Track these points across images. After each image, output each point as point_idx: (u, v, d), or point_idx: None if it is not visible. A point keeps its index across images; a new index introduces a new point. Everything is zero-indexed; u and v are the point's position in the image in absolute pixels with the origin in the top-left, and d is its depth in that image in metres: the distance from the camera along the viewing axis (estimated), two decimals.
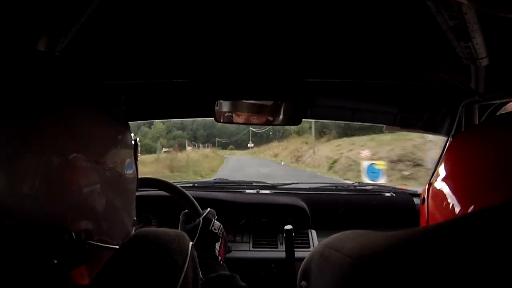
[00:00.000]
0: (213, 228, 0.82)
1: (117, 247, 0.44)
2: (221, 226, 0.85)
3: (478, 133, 0.42)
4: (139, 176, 0.54)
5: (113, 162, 0.44)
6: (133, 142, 0.50)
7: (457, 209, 0.37)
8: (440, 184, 0.42)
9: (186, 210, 0.89)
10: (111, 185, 0.43)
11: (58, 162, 0.37)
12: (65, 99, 0.41)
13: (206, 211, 0.85)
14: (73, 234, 0.38)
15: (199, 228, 0.80)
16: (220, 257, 0.80)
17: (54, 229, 0.37)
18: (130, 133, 0.50)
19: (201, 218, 0.83)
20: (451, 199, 0.38)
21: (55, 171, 0.37)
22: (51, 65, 0.45)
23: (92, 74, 0.84)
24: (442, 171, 0.42)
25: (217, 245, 0.81)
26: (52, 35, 0.55)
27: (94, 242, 0.40)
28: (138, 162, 0.51)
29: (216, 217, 0.86)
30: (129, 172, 0.48)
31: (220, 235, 0.83)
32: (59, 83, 0.42)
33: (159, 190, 0.95)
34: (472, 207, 0.35)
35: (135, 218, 0.51)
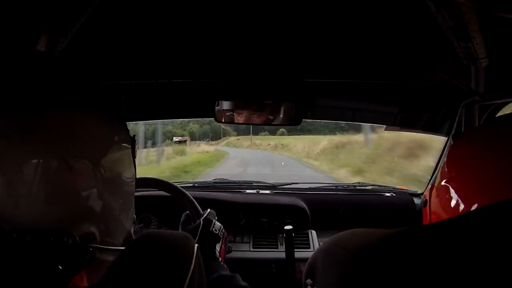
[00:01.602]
0: (213, 229, 0.82)
1: (119, 248, 0.44)
2: (222, 227, 0.85)
3: (483, 134, 0.42)
4: (138, 177, 0.54)
5: (111, 163, 0.44)
6: (130, 140, 0.50)
7: (461, 208, 0.37)
8: (443, 186, 0.42)
9: (187, 211, 0.89)
10: (109, 186, 0.43)
11: (56, 165, 0.37)
12: (63, 101, 0.41)
13: (207, 212, 0.85)
14: (77, 238, 0.38)
15: (200, 229, 0.80)
16: (220, 258, 0.80)
17: (57, 234, 0.37)
18: (128, 133, 0.50)
19: (201, 219, 0.82)
20: (455, 199, 0.39)
21: (53, 174, 0.37)
22: (49, 66, 0.45)
23: (92, 74, 0.84)
24: (445, 172, 0.42)
25: (218, 246, 0.81)
26: (52, 35, 0.55)
27: (97, 245, 0.40)
28: (136, 160, 0.51)
29: (216, 218, 0.86)
30: (127, 172, 0.47)
31: (221, 236, 0.83)
32: (57, 84, 0.42)
33: (159, 190, 0.94)
34: (476, 205, 0.36)
35: (134, 216, 0.51)
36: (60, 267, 0.36)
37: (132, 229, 0.50)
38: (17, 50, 0.50)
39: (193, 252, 0.41)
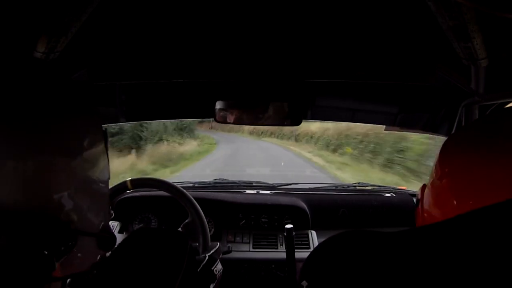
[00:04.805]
0: (214, 269, 0.82)
1: (100, 234, 0.45)
2: (222, 269, 0.85)
3: (475, 130, 0.42)
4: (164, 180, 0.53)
5: (84, 160, 0.44)
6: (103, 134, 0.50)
7: (454, 205, 0.37)
8: (436, 183, 0.41)
9: (195, 244, 0.88)
10: (82, 180, 0.43)
11: (32, 160, 0.38)
12: (41, 102, 0.42)
13: (215, 248, 0.85)
14: (59, 219, 0.38)
15: (202, 264, 0.80)
16: None
17: (40, 216, 0.37)
18: (102, 130, 0.50)
19: (207, 255, 0.82)
20: (448, 197, 0.38)
21: (29, 169, 0.38)
22: (29, 69, 0.45)
23: (90, 74, 0.84)
24: (437, 170, 0.42)
25: (212, 286, 0.80)
26: (52, 35, 0.55)
27: (79, 230, 0.40)
28: (109, 153, 0.51)
29: (221, 256, 0.86)
30: (100, 165, 0.48)
31: (218, 278, 0.83)
32: (36, 87, 0.42)
33: (180, 202, 0.93)
34: (468, 202, 0.35)
35: (110, 210, 0.51)
36: (46, 252, 0.36)
37: (109, 222, 0.50)
38: (14, 52, 0.50)
39: (186, 250, 0.41)
